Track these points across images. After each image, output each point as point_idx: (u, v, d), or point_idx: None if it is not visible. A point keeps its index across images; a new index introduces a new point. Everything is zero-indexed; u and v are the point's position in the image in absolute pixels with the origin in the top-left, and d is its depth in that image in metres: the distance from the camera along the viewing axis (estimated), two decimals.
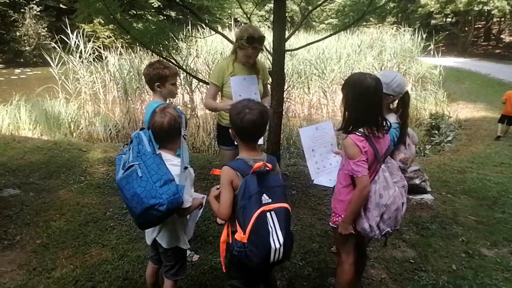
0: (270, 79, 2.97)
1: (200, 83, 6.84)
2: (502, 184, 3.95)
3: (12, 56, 18.51)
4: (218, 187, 1.51)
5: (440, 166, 4.67)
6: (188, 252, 2.41)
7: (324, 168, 1.87)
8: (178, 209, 1.50)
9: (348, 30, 11.99)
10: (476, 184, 3.96)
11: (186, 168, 1.56)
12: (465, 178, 4.15)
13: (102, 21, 16.38)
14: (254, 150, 1.52)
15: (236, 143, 1.57)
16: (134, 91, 8.02)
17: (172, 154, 1.63)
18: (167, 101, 2.17)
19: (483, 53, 24.34)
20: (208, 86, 2.81)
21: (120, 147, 5.31)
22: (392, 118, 1.87)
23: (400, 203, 1.59)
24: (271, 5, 3.12)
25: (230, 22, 20.28)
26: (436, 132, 6.57)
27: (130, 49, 9.60)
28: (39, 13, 18.52)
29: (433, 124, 6.73)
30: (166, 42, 3.52)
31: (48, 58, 7.93)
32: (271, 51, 3.17)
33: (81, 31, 8.38)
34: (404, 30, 14.47)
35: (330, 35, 4.08)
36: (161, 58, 3.27)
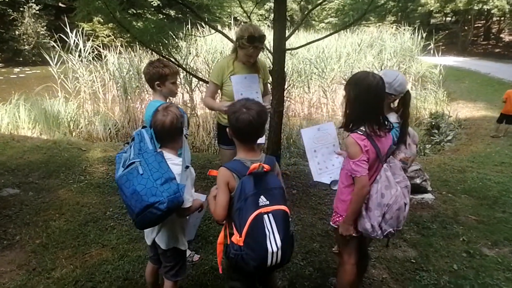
0: (270, 78, 2.96)
1: (200, 82, 6.83)
2: (502, 184, 3.94)
3: (11, 55, 18.45)
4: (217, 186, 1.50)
5: (440, 166, 4.66)
6: (189, 252, 2.40)
7: (327, 169, 1.86)
8: (178, 209, 1.48)
9: (348, 29, 12.00)
10: (476, 184, 3.96)
11: (187, 167, 1.54)
12: (465, 178, 4.14)
13: (102, 20, 16.36)
14: (252, 151, 1.49)
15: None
16: (133, 90, 8.01)
17: (173, 153, 1.62)
18: (167, 100, 2.16)
19: (482, 52, 24.33)
20: (207, 85, 2.80)
21: (120, 146, 5.30)
22: (392, 118, 1.87)
23: (402, 203, 1.58)
24: (271, 4, 3.11)
25: (229, 21, 20.25)
26: (436, 131, 6.57)
27: (129, 48, 9.58)
28: (38, 11, 18.45)
29: (433, 123, 6.72)
30: (166, 41, 3.51)
31: (47, 57, 7.91)
32: (271, 50, 3.16)
33: (80, 30, 8.37)
34: (404, 29, 14.46)
35: (331, 33, 4.07)
36: (161, 57, 3.26)
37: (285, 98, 4.47)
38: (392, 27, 16.90)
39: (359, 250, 1.82)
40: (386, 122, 1.63)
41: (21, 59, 18.40)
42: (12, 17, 17.65)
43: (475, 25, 27.06)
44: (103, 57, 9.30)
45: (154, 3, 20.93)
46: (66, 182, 3.71)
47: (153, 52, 3.54)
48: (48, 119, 6.49)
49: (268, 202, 1.37)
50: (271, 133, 3.34)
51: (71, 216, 3.02)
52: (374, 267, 2.42)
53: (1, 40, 18.08)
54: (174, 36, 3.71)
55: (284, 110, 3.67)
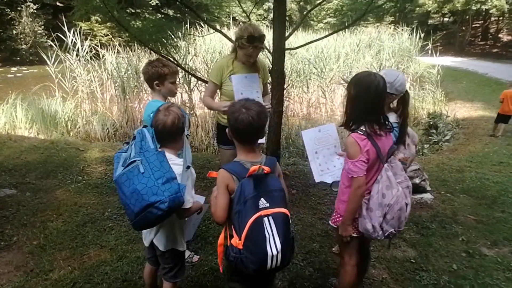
0: (270, 78, 2.96)
1: (199, 82, 6.81)
2: (501, 183, 3.96)
3: (8, 54, 18.34)
4: None
5: (439, 165, 4.67)
6: (188, 252, 2.39)
7: (328, 170, 1.85)
8: (178, 209, 1.46)
9: (346, 29, 12.00)
10: (475, 183, 3.97)
11: (188, 167, 1.53)
12: (464, 177, 4.15)
13: (99, 19, 16.30)
14: (252, 152, 1.47)
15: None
16: (132, 90, 7.97)
17: (174, 153, 1.60)
18: (167, 100, 2.14)
19: (480, 52, 24.44)
20: (206, 85, 2.78)
21: (118, 146, 5.27)
22: (392, 117, 1.88)
23: (403, 203, 1.57)
24: (269, 4, 3.10)
25: (228, 21, 20.24)
26: (434, 131, 6.58)
27: (127, 47, 9.54)
28: (35, 11, 18.36)
29: (431, 123, 6.74)
30: (165, 40, 3.49)
31: (45, 56, 7.86)
32: (270, 49, 3.15)
33: (78, 29, 8.31)
34: (402, 30, 14.50)
35: (332, 33, 4.07)
36: (160, 57, 3.24)
37: (284, 98, 4.47)
38: (390, 28, 16.95)
39: (360, 251, 1.81)
40: (386, 122, 1.63)
41: (18, 58, 18.30)
42: (9, 16, 17.55)
43: (473, 25, 27.17)
44: (101, 56, 9.25)
45: (153, 3, 20.89)
46: (63, 183, 3.68)
47: (152, 52, 3.52)
48: (46, 119, 6.45)
49: (268, 205, 1.35)
50: (270, 133, 3.33)
51: (69, 216, 2.99)
52: (374, 267, 2.42)
53: None
54: (172, 36, 3.70)
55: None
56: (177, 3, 3.86)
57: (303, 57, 9.89)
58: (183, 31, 7.00)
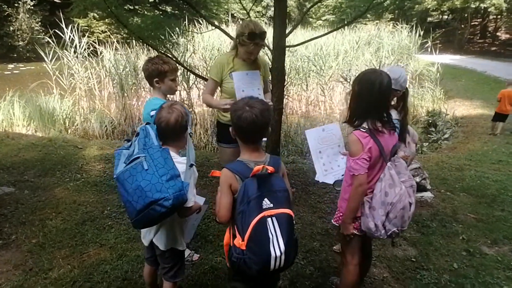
0: (270, 76, 2.93)
1: (198, 79, 6.78)
2: (500, 182, 3.96)
3: (5, 51, 18.19)
4: None
5: (438, 164, 4.67)
6: (188, 251, 2.38)
7: (332, 170, 1.84)
8: (181, 208, 1.44)
9: (346, 27, 11.97)
10: (474, 182, 3.97)
11: (191, 165, 1.51)
12: (463, 176, 4.16)
13: (97, 16, 16.15)
14: (256, 152, 1.45)
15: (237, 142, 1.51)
16: (130, 87, 7.93)
17: (176, 152, 1.58)
18: (166, 98, 2.12)
19: (479, 50, 24.46)
20: (205, 82, 2.76)
21: (116, 144, 5.24)
22: (393, 114, 1.88)
23: (407, 202, 1.56)
24: (268, 1, 3.07)
25: (227, 18, 20.15)
26: (433, 129, 6.58)
27: (126, 44, 9.47)
28: (32, 7, 18.20)
29: (430, 121, 6.74)
30: (164, 37, 3.47)
31: (42, 53, 7.78)
32: (270, 47, 3.13)
33: (75, 26, 8.23)
34: (402, 27, 14.47)
35: (332, 31, 4.04)
36: (160, 54, 3.21)
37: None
38: (389, 25, 16.92)
39: (363, 250, 1.81)
40: (390, 120, 1.62)
41: (15, 55, 18.16)
42: (6, 13, 17.39)
43: (472, 23, 27.17)
44: (99, 53, 9.19)
45: None
46: (62, 181, 3.66)
47: (150, 48, 3.49)
48: (43, 116, 6.40)
49: (272, 205, 1.33)
50: (270, 131, 3.31)
51: (68, 215, 2.97)
52: (375, 266, 2.41)
53: None
54: (171, 32, 3.67)
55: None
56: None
57: (302, 55, 9.86)
58: (181, 28, 6.95)
